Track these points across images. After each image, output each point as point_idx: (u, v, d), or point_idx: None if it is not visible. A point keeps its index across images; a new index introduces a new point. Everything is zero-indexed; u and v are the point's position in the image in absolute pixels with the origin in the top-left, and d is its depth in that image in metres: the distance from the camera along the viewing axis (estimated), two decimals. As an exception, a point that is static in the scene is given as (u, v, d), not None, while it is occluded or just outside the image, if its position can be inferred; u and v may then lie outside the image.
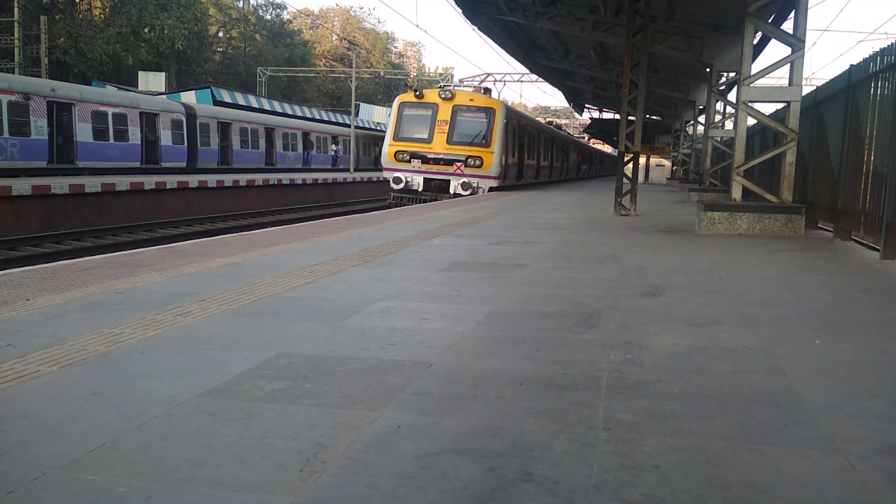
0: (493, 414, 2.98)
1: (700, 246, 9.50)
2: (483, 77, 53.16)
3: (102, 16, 49.54)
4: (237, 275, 6.19)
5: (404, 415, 2.95)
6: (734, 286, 6.32)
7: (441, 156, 22.90)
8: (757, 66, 12.55)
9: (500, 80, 53.63)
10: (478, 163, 22.72)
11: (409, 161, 23.09)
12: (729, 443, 2.72)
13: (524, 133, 28.00)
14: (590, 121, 57.19)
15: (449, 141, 22.90)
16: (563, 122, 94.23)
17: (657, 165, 46.31)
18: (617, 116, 40.72)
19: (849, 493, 2.34)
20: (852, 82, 10.14)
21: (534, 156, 30.60)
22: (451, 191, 22.59)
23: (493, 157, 22.91)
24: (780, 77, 17.47)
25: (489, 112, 23.18)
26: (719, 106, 22.87)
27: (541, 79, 38.38)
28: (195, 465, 2.43)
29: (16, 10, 37.60)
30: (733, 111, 17.65)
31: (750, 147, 16.75)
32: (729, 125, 22.51)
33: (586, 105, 49.52)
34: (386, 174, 23.44)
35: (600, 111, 51.09)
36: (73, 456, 2.47)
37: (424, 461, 2.50)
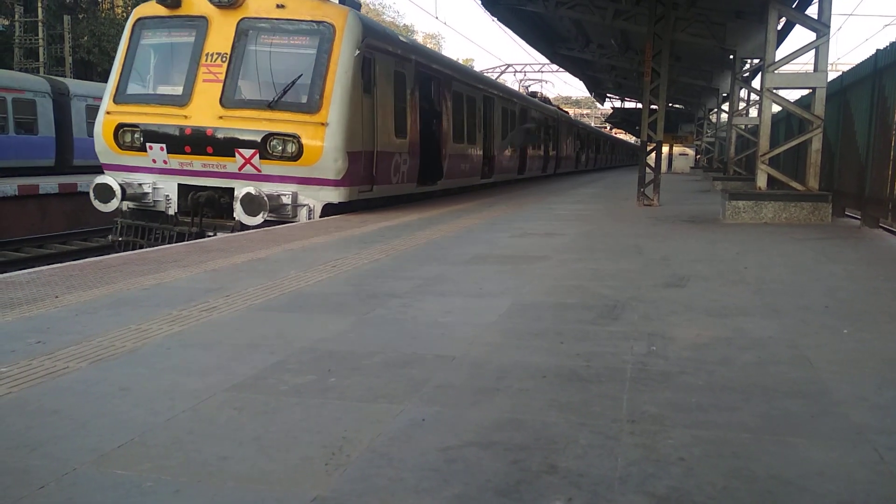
0: (516, 407, 2.98)
1: (725, 235, 9.41)
2: (504, 68, 52.92)
3: (125, 14, 50.03)
4: (262, 270, 6.24)
5: (428, 408, 2.96)
6: (759, 276, 6.26)
7: (211, 134, 10.88)
8: (781, 53, 12.39)
9: (520, 71, 53.36)
10: (292, 149, 10.77)
11: (142, 148, 11.28)
12: (754, 434, 2.70)
13: (448, 94, 16.45)
14: (611, 110, 56.79)
15: (228, 100, 10.97)
16: (585, 111, 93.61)
17: (680, 154, 45.90)
18: (639, 105, 40.27)
19: (877, 484, 2.32)
20: (879, 67, 9.96)
21: (475, 138, 18.89)
22: (236, 214, 10.73)
23: (329, 136, 10.78)
24: (805, 63, 17.20)
25: (322, 32, 11.14)
26: (743, 93, 22.56)
27: (562, 69, 38.06)
28: (222, 458, 2.47)
29: (39, 10, 38.05)
30: (757, 98, 17.41)
31: (775, 134, 16.54)
32: (753, 112, 22.24)
33: (608, 94, 49.08)
34: (99, 180, 11.39)
35: (622, 100, 50.63)
36: (103, 451, 2.51)
37: (448, 454, 2.51)
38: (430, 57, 15.78)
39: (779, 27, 12.97)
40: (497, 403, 3.02)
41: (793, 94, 15.88)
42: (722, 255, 7.54)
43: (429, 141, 15.35)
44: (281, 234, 8.85)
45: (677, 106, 43.17)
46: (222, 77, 11.07)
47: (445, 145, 16.24)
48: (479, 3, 20.12)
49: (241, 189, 10.59)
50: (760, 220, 11.06)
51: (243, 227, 10.56)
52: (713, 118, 32.76)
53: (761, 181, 11.60)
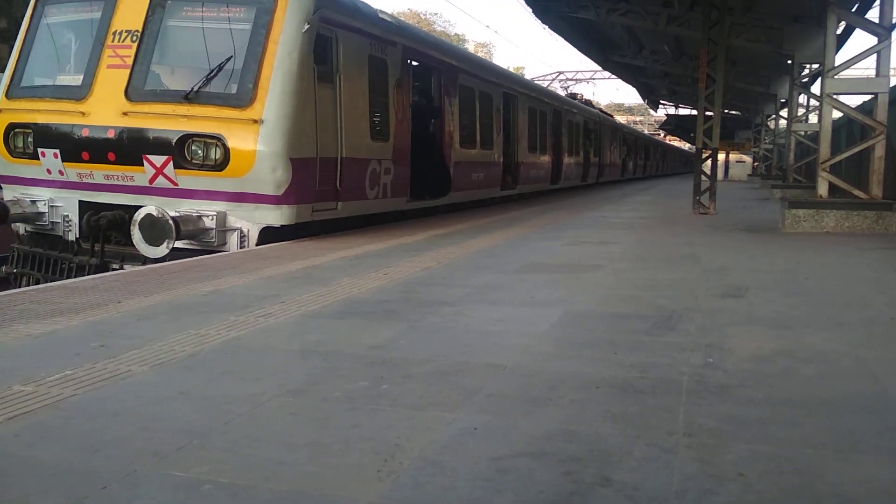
0: (569, 417, 2.95)
1: (784, 245, 9.17)
2: (555, 75, 52.72)
3: None
4: (316, 277, 6.32)
5: (480, 417, 2.95)
6: (821, 287, 6.08)
7: (112, 136, 8.54)
8: (841, 57, 12.07)
9: (571, 79, 53.07)
10: (216, 155, 8.39)
11: (35, 155, 8.98)
12: (817, 450, 2.62)
13: (454, 89, 13.81)
14: (665, 117, 55.99)
15: (136, 90, 8.65)
16: (637, 118, 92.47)
17: (737, 162, 44.99)
18: (694, 112, 39.63)
19: (949, 505, 2.22)
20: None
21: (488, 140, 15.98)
22: (134, 241, 8.29)
23: (265, 136, 8.35)
24: (867, 68, 16.69)
25: (259, 2, 8.76)
26: (802, 99, 22.02)
27: (614, 76, 37.73)
28: (277, 463, 2.50)
29: None
30: (817, 104, 16.96)
31: (836, 141, 16.07)
32: (813, 118, 21.67)
33: (661, 101, 48.44)
34: None
35: (676, 107, 49.91)
36: (163, 453, 2.57)
37: (500, 464, 2.50)
38: (426, 42, 13.05)
39: (838, 31, 12.62)
40: (549, 414, 2.99)
41: (854, 100, 15.43)
42: (782, 265, 7.36)
43: (426, 146, 12.94)
44: (336, 243, 8.94)
45: (734, 112, 42.33)
46: (130, 61, 8.58)
47: (451, 151, 13.57)
48: (531, 11, 20.08)
49: (143, 209, 8.10)
50: (821, 230, 10.75)
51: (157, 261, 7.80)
52: (771, 124, 32.04)
53: (822, 189, 11.28)
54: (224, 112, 8.35)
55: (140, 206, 8.26)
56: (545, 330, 4.49)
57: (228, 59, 8.48)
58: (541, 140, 20.70)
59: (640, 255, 8.19)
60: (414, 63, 12.33)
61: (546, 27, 22.62)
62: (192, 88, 8.39)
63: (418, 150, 12.15)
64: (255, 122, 8.28)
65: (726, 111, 38.75)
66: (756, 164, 39.74)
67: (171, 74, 9.09)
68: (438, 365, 3.68)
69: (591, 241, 9.38)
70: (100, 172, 8.65)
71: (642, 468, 2.46)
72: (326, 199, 9.39)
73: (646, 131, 74.34)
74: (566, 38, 25.00)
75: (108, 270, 7.89)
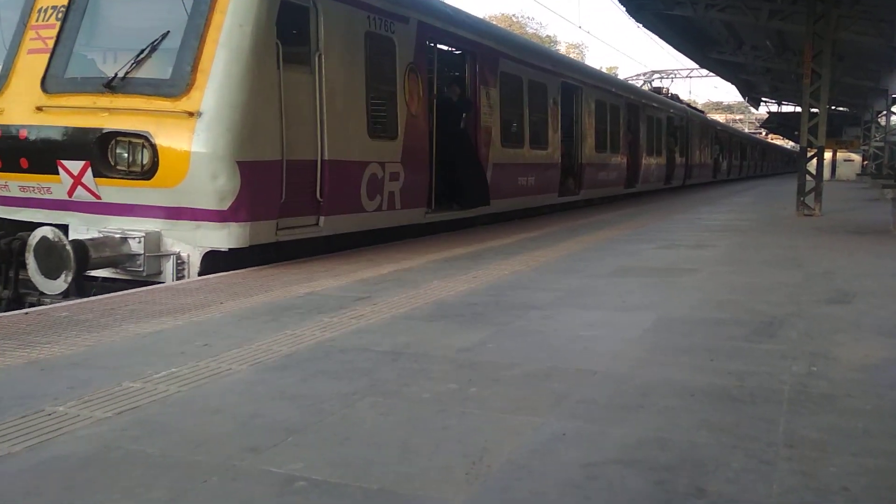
0: (661, 425, 2.88)
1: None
2: (649, 74, 51.55)
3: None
4: (407, 280, 6.41)
5: (569, 422, 2.92)
6: (938, 292, 5.71)
7: (24, 137, 6.97)
8: (964, 47, 11.27)
9: (667, 77, 51.77)
10: (143, 159, 6.67)
11: None
12: (932, 467, 2.46)
13: (493, 77, 11.90)
14: (767, 115, 53.80)
15: (54, 79, 7.07)
16: (738, 117, 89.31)
17: (845, 160, 42.77)
18: (797, 109, 37.90)
19: None
20: None
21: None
22: (30, 273, 6.53)
23: (202, 133, 6.56)
24: None
25: None
26: (918, 93, 20.72)
27: (711, 73, 36.57)
28: (368, 462, 2.55)
29: None
30: (935, 98, 15.94)
31: (956, 137, 15.03)
32: (930, 114, 20.35)
33: (763, 99, 46.57)
34: None
35: (779, 104, 47.87)
36: (260, 449, 2.67)
37: (590, 470, 2.47)
38: (451, 19, 10.72)
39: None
40: (641, 421, 2.93)
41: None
42: (892, 269, 6.95)
43: (456, 146, 10.85)
44: (426, 245, 9.02)
45: (841, 109, 40.26)
46: (52, 43, 7.10)
47: (489, 151, 11.61)
48: (624, 10, 19.71)
49: (37, 231, 6.45)
50: (939, 231, 10.08)
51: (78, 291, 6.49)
52: (882, 121, 30.29)
53: (940, 188, 10.58)
54: (153, 103, 6.66)
55: (63, 225, 6.83)
56: (638, 335, 4.40)
57: (164, 37, 6.78)
58: (612, 138, 18.13)
59: (738, 258, 7.90)
60: (436, 45, 10.64)
61: (640, 25, 22.16)
62: (116, 74, 6.76)
63: (446, 150, 10.45)
64: (191, 114, 6.54)
65: (833, 108, 36.88)
66: (865, 162, 37.68)
67: (99, 58, 7.34)
68: (527, 369, 3.67)
69: (686, 245, 9.12)
70: (14, 183, 7.15)
71: (739, 480, 2.38)
72: (301, 212, 7.52)
73: (746, 130, 71.68)
74: (661, 37, 24.40)
75: (24, 305, 6.43)
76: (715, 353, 3.95)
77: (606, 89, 18.13)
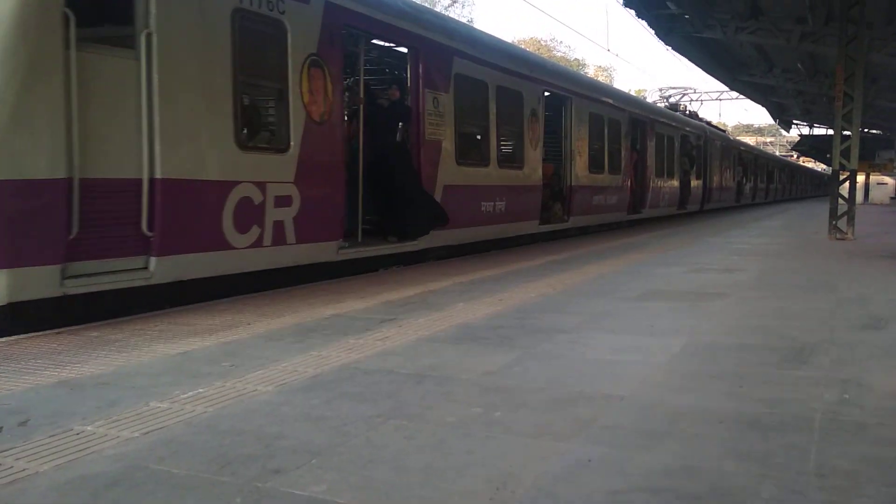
0: (689, 453, 2.84)
1: (933, 273, 8.48)
2: (679, 96, 51.32)
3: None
4: (432, 302, 6.41)
5: (595, 448, 2.89)
6: (976, 319, 5.57)
7: None
8: None
9: (696, 100, 51.48)
10: None
11: None
12: (971, 500, 2.39)
13: (445, 79, 10.01)
14: (798, 137, 53.22)
15: None
16: (768, 139, 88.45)
17: (878, 184, 42.10)
18: (830, 132, 37.39)
19: None
20: None
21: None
22: None
23: None
24: None
25: None
26: (954, 115, 20.38)
27: (742, 95, 36.32)
28: (391, 486, 2.54)
29: None
30: (972, 120, 15.66)
31: None
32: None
33: (794, 121, 46.12)
34: None
35: (810, 127, 47.37)
36: (284, 471, 2.67)
37: (616, 498, 2.43)
38: (378, 2, 8.74)
39: None
40: (668, 448, 2.88)
41: None
42: (930, 295, 6.80)
43: (388, 162, 9.08)
44: (453, 268, 9.02)
45: (874, 131, 39.72)
46: None
47: (437, 170, 9.62)
48: (653, 33, 19.70)
49: None
50: (977, 257, 9.86)
51: None
52: (917, 144, 29.80)
53: (978, 212, 10.37)
54: None
55: None
56: (666, 360, 4.34)
57: None
58: (611, 157, 16.12)
59: (769, 283, 7.79)
60: (361, 35, 8.74)
61: (669, 48, 22.12)
62: None
63: (376, 168, 8.92)
64: None
65: (865, 130, 36.40)
66: (901, 185, 37.02)
67: None
68: (553, 393, 3.64)
69: (715, 269, 9.01)
70: None
71: (769, 510, 2.33)
72: (113, 253, 5.72)
73: (777, 153, 70.91)
74: (691, 59, 24.33)
75: None
76: (745, 379, 3.88)
77: (604, 101, 16.04)
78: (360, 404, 3.46)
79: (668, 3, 17.09)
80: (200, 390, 3.67)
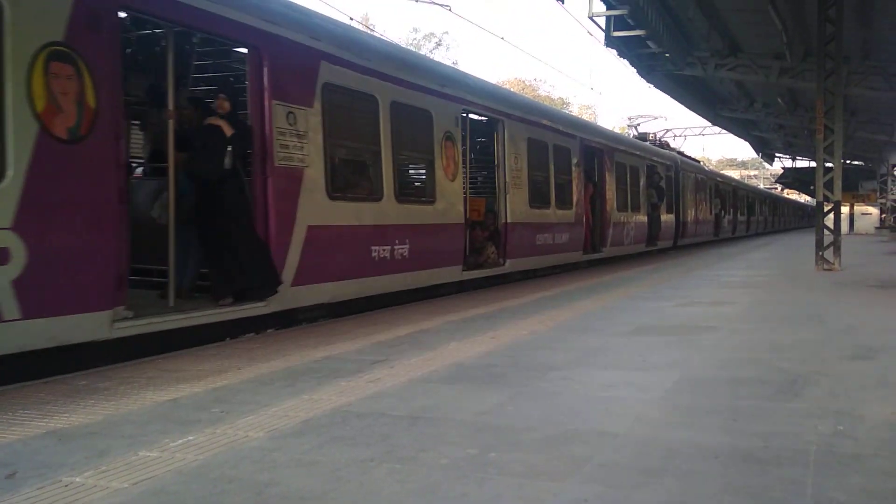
0: (686, 489, 2.81)
1: (920, 302, 8.54)
2: (663, 133, 51.97)
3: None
4: (424, 341, 6.38)
5: (590, 487, 2.86)
6: (965, 347, 5.60)
7: None
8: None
9: (680, 135, 52.16)
10: None
11: None
12: (969, 531, 2.38)
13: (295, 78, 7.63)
14: (782, 170, 53.91)
15: None
16: (752, 173, 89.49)
17: (863, 214, 42.60)
18: (812, 164, 37.83)
19: None
20: None
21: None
22: None
23: None
24: None
25: None
26: (933, 145, 20.73)
27: (725, 130, 36.84)
28: (386, 532, 2.50)
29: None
30: (951, 150, 15.91)
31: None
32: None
33: (777, 154, 46.79)
34: None
35: (793, 159, 48.04)
36: (277, 519, 2.62)
37: (614, 538, 2.40)
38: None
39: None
40: (665, 485, 2.86)
41: None
42: (918, 324, 6.84)
43: (218, 192, 7.02)
44: (443, 306, 9.02)
45: (856, 163, 40.33)
46: None
47: (298, 206, 7.51)
48: (636, 72, 20.04)
49: None
50: (963, 284, 9.94)
51: None
52: (899, 174, 30.24)
53: (961, 241, 10.48)
54: None
55: None
56: (659, 396, 4.33)
57: None
58: (559, 189, 13.82)
59: (759, 315, 7.81)
60: (142, 18, 6.95)
61: (651, 86, 22.49)
62: None
63: (197, 203, 7.03)
64: None
65: (848, 162, 36.97)
66: (883, 215, 37.47)
67: None
68: (547, 432, 3.61)
69: (705, 302, 9.04)
70: None
71: (768, 546, 2.31)
72: None
73: (761, 185, 71.66)
74: (673, 96, 24.74)
75: None
76: (738, 413, 3.87)
77: (547, 125, 13.78)
78: (353, 448, 3.43)
79: (649, 43, 17.40)
80: (190, 438, 3.62)
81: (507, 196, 11.85)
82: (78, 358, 5.59)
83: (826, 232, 13.92)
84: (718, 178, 33.31)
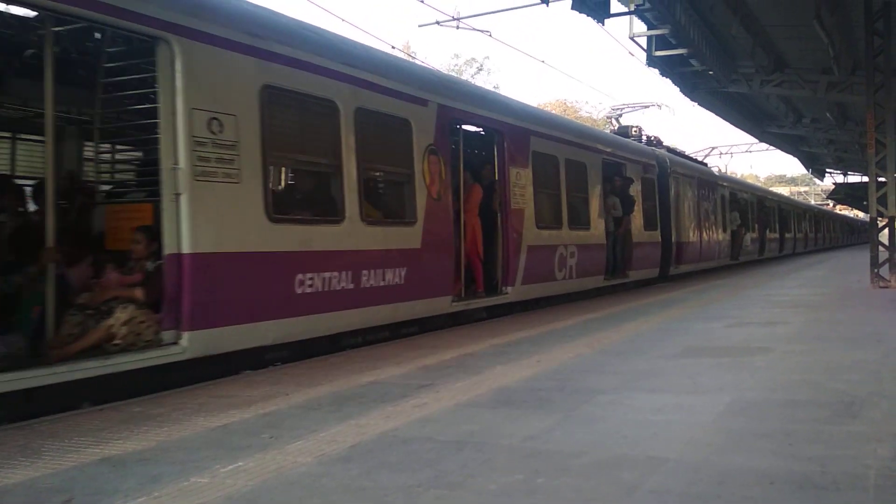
0: (740, 516, 2.75)
1: (984, 319, 8.23)
2: (708, 151, 51.32)
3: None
4: (469, 365, 6.37)
5: (642, 514, 2.81)
6: None
7: None
8: None
9: (726, 153, 51.44)
10: None
11: None
12: None
13: None
14: (833, 186, 52.66)
15: None
16: (802, 189, 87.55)
17: (920, 229, 41.28)
18: (865, 179, 36.68)
19: None
20: None
21: None
22: None
23: None
24: None
25: None
26: None
27: (772, 146, 36.16)
28: (434, 559, 2.49)
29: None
30: None
31: None
32: None
33: (827, 170, 45.77)
34: None
35: (844, 175, 46.91)
36: (326, 545, 2.63)
37: (666, 566, 2.35)
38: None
39: None
40: (718, 511, 2.80)
41: None
42: (982, 343, 6.58)
43: None
44: (489, 329, 9.00)
45: (911, 176, 39.14)
46: None
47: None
48: (679, 90, 19.88)
49: None
50: None
51: None
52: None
53: None
54: None
55: None
56: (711, 419, 4.24)
57: None
58: (379, 193, 9.05)
59: (813, 335, 7.61)
60: None
61: (696, 104, 22.27)
62: None
63: None
64: None
65: (902, 176, 35.91)
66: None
67: None
68: (596, 457, 3.57)
69: (756, 322, 8.85)
70: None
71: (828, 576, 2.23)
72: None
73: (812, 202, 69.98)
74: (717, 114, 24.48)
75: None
76: (794, 437, 3.77)
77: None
78: (400, 474, 3.43)
79: (692, 61, 17.28)
80: (240, 464, 3.67)
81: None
82: None
83: (881, 248, 13.54)
84: (736, 186, 26.57)
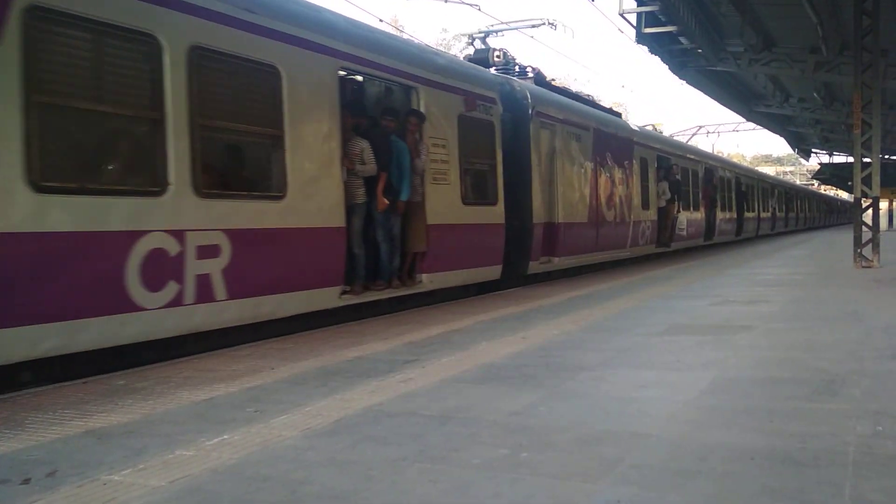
0: (721, 491, 2.78)
1: (963, 299, 8.33)
2: (695, 130, 51.39)
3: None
4: (455, 341, 6.39)
5: (623, 488, 2.84)
6: None
7: None
8: None
9: (713, 132, 51.55)
10: None
11: None
12: None
13: None
14: (818, 166, 52.92)
15: None
16: (788, 169, 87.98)
17: (903, 210, 41.66)
18: (850, 160, 36.83)
19: None
20: None
21: None
22: None
23: None
24: None
25: None
26: (976, 139, 20.20)
27: (759, 126, 36.25)
28: (418, 532, 2.51)
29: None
30: None
31: None
32: None
33: (813, 150, 45.95)
34: None
35: (830, 155, 47.14)
36: (310, 518, 2.65)
37: (647, 539, 2.39)
38: None
39: None
40: (699, 487, 2.83)
41: None
42: (961, 323, 6.67)
43: None
44: (474, 307, 9.03)
45: (894, 158, 39.42)
46: None
47: None
48: (668, 68, 19.82)
49: None
50: None
51: None
52: (940, 168, 29.52)
53: None
54: None
55: None
56: (694, 396, 4.28)
57: None
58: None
59: (795, 313, 7.69)
60: None
61: (684, 82, 22.23)
62: None
63: None
64: None
65: (886, 157, 36.16)
66: (926, 211, 36.59)
67: None
68: (580, 433, 3.59)
69: (740, 300, 8.92)
70: None
71: (805, 549, 2.27)
72: None
73: (797, 181, 70.35)
74: (705, 92, 24.43)
75: None
76: (775, 413, 3.81)
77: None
78: (385, 447, 3.44)
79: (681, 39, 17.21)
80: (225, 437, 3.67)
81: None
82: None
83: (864, 228, 13.65)
84: (666, 149, 20.30)
